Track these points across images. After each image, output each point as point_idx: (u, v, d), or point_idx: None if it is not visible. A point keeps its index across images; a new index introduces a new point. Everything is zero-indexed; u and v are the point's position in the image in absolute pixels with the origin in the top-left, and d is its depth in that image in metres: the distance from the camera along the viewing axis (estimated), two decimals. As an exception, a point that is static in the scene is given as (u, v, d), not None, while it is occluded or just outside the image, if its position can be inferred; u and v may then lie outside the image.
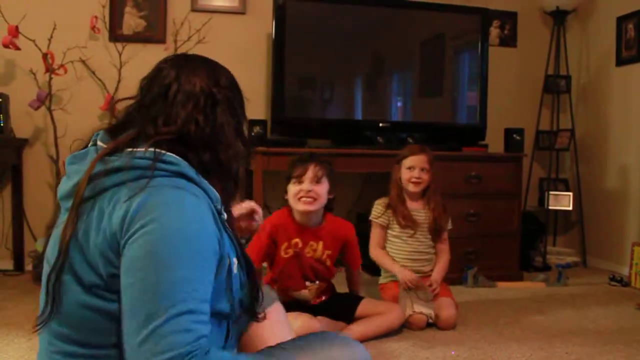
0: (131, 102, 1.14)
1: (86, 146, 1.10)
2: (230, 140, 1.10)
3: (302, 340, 1.23)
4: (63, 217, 1.03)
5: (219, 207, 1.08)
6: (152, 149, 1.01)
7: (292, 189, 2.22)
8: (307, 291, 2.29)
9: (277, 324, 1.44)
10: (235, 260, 1.10)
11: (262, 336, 1.37)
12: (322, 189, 2.21)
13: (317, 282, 2.31)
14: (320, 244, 2.29)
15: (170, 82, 1.08)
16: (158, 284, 0.90)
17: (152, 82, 1.11)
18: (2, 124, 3.11)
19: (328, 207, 2.31)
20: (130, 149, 1.02)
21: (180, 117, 1.06)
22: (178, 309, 0.90)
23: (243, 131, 1.17)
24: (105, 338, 0.98)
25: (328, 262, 2.31)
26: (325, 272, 2.33)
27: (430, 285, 2.50)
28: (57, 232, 1.02)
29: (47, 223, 1.00)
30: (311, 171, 2.19)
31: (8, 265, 3.32)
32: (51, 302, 1.00)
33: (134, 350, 0.89)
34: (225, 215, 1.11)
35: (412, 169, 2.60)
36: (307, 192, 2.18)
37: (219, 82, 1.11)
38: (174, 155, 1.03)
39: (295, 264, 2.26)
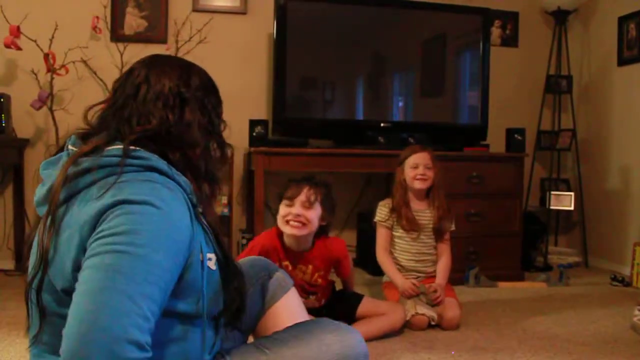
0: (103, 106, 1.15)
1: (60, 151, 1.10)
2: (197, 140, 1.10)
3: (297, 328, 1.23)
4: (40, 224, 1.01)
5: (193, 199, 1.06)
6: (120, 146, 1.01)
7: (282, 210, 2.11)
8: (305, 299, 2.26)
9: (292, 314, 1.44)
10: (211, 256, 1.08)
11: (277, 324, 1.38)
12: (313, 215, 2.09)
13: (312, 296, 2.28)
14: (310, 267, 2.22)
15: (140, 83, 1.09)
16: (131, 261, 0.87)
17: (124, 83, 1.12)
18: (3, 124, 3.11)
19: (321, 232, 2.22)
20: (89, 147, 1.02)
21: (154, 116, 1.06)
22: (144, 291, 0.87)
23: (216, 132, 1.16)
24: None
25: (319, 281, 2.26)
26: (317, 289, 2.29)
27: (435, 291, 2.49)
28: (36, 240, 1.02)
29: (26, 235, 0.99)
30: (304, 194, 2.08)
31: (9, 265, 3.32)
32: (39, 314, 0.99)
33: (95, 318, 0.83)
34: (200, 209, 1.09)
35: (417, 166, 2.60)
36: (295, 216, 2.07)
37: (189, 82, 1.12)
38: (144, 150, 1.03)
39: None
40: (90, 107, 1.13)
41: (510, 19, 4.10)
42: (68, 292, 0.92)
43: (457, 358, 2.06)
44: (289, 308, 1.45)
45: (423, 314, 2.38)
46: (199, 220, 1.07)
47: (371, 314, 2.30)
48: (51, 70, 3.23)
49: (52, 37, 3.23)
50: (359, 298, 2.38)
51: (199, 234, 1.05)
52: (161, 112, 1.07)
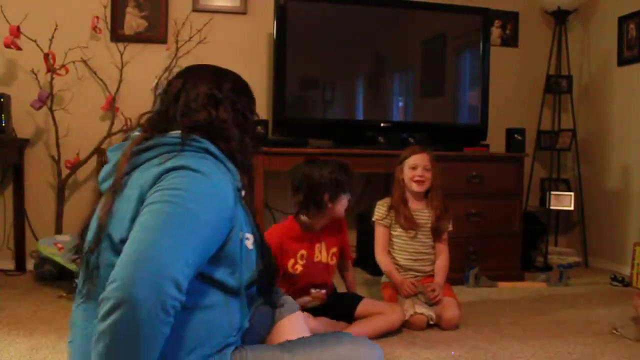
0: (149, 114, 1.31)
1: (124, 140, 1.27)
2: (233, 134, 1.25)
3: (320, 338, 1.26)
4: (102, 201, 1.16)
5: (238, 184, 1.21)
6: (179, 131, 1.19)
7: (344, 200, 2.28)
8: (311, 298, 2.28)
9: (297, 328, 1.50)
10: (249, 236, 1.22)
11: (283, 338, 1.42)
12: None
13: (324, 290, 2.30)
14: (324, 244, 2.30)
15: (179, 90, 1.26)
16: (186, 214, 1.02)
17: (165, 93, 1.30)
18: (3, 124, 3.11)
19: None
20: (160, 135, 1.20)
21: (198, 112, 1.23)
22: (194, 244, 1.01)
23: (249, 127, 1.33)
24: None
25: (331, 262, 2.33)
26: (329, 275, 2.34)
27: (434, 291, 2.49)
28: (95, 216, 1.16)
29: (85, 215, 1.14)
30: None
31: (9, 265, 3.32)
32: (90, 272, 1.12)
33: (149, 255, 0.95)
34: (243, 193, 1.25)
35: (415, 168, 2.60)
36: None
37: (221, 86, 1.29)
38: (200, 137, 1.19)
39: (305, 277, 2.25)
40: (144, 114, 1.29)
41: (510, 19, 4.10)
42: (125, 241, 1.02)
43: (457, 358, 2.07)
44: (293, 325, 1.49)
45: (422, 314, 2.38)
46: (241, 202, 1.22)
47: (370, 314, 2.30)
48: (51, 70, 3.23)
49: (52, 37, 3.23)
50: (358, 299, 2.39)
51: (241, 214, 1.20)
52: (203, 109, 1.24)
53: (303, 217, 2.27)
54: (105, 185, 1.18)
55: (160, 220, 1.00)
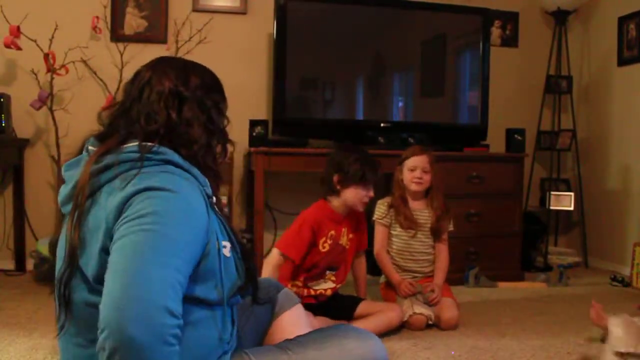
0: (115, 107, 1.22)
1: (79, 153, 1.17)
2: (198, 136, 1.16)
3: (318, 333, 1.25)
4: (66, 222, 1.08)
5: (208, 190, 1.14)
6: (135, 143, 1.10)
7: (360, 192, 2.31)
8: (324, 281, 2.36)
9: (297, 323, 1.48)
10: (226, 244, 1.14)
11: (283, 334, 1.41)
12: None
13: (334, 273, 2.38)
14: (345, 229, 2.38)
15: (144, 85, 1.17)
16: (163, 237, 0.95)
17: (131, 85, 1.19)
18: (3, 124, 3.11)
19: None
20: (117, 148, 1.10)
21: (159, 115, 1.13)
22: (176, 264, 0.95)
23: (217, 128, 1.21)
24: None
25: (348, 246, 2.40)
26: (345, 258, 2.41)
27: (432, 291, 2.50)
28: (63, 237, 1.08)
29: (52, 234, 1.06)
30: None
31: (9, 265, 3.32)
32: (64, 306, 1.05)
33: (138, 291, 0.89)
34: (214, 199, 1.17)
35: (414, 169, 2.61)
36: (370, 199, 2.35)
37: (188, 82, 1.18)
38: (160, 146, 1.10)
39: (328, 257, 2.33)
40: (104, 109, 1.21)
41: (510, 19, 4.10)
42: (99, 279, 0.98)
43: (457, 358, 2.06)
44: (293, 318, 1.48)
45: (421, 314, 2.38)
46: (213, 210, 1.14)
47: (369, 314, 2.32)
48: (51, 70, 3.23)
49: (52, 37, 3.23)
50: (358, 300, 2.41)
51: (214, 223, 1.12)
52: (164, 112, 1.14)
53: (331, 198, 2.37)
54: (67, 209, 1.10)
55: (134, 253, 0.93)
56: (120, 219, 0.98)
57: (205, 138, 1.17)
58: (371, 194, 2.33)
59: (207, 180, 1.15)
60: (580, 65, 4.13)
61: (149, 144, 1.10)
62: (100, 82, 3.44)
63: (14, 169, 3.32)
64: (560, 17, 3.94)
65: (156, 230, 0.95)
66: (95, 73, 3.43)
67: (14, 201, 3.34)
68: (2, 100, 3.10)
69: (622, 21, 3.74)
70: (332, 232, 2.34)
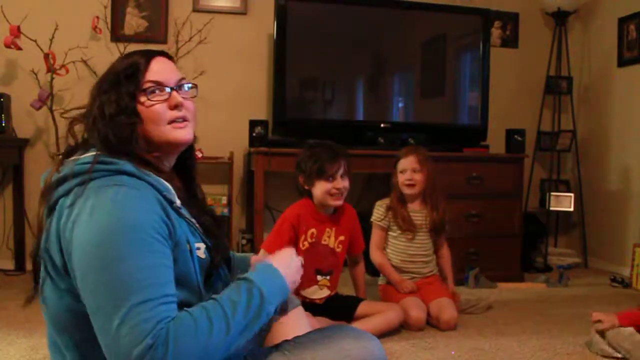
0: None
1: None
2: (102, 130, 1.12)
3: (316, 333, 1.25)
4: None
5: (169, 196, 1.10)
6: (91, 154, 1.08)
7: (323, 186, 2.25)
8: (319, 288, 2.32)
9: (298, 324, 1.46)
10: (199, 245, 1.13)
11: (284, 335, 1.40)
12: (348, 182, 2.30)
13: (329, 277, 2.34)
14: (334, 230, 2.34)
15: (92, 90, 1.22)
16: (110, 280, 0.93)
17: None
18: (3, 124, 3.11)
19: None
20: (75, 157, 1.10)
21: (92, 119, 1.15)
22: (133, 301, 0.92)
23: (117, 106, 1.14)
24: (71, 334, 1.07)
25: (339, 249, 2.35)
26: (334, 262, 2.36)
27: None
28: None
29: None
30: (342, 168, 2.26)
31: (9, 265, 3.32)
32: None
33: (110, 348, 0.92)
34: (178, 202, 1.12)
35: (404, 171, 2.61)
36: (341, 190, 2.26)
37: (101, 78, 1.21)
38: (110, 156, 1.08)
39: (309, 257, 2.23)
40: (78, 109, 1.25)
41: (510, 19, 4.10)
42: (69, 291, 1.02)
43: (457, 358, 2.06)
44: (294, 321, 1.47)
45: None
46: (179, 214, 1.10)
47: (369, 314, 2.31)
48: (51, 70, 3.23)
49: (52, 37, 3.22)
50: (358, 300, 2.40)
51: (182, 227, 1.09)
52: (94, 116, 1.15)
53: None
54: None
55: (99, 310, 0.93)
56: (68, 243, 0.99)
57: (112, 129, 1.11)
58: (338, 185, 2.25)
59: (167, 185, 1.11)
60: (580, 66, 4.14)
61: (100, 153, 1.08)
62: (101, 82, 3.43)
63: (14, 169, 3.32)
64: (560, 18, 3.94)
65: (112, 269, 0.94)
66: (95, 73, 3.42)
67: (14, 201, 3.34)
68: (2, 100, 3.10)
69: (622, 22, 3.74)
70: (313, 230, 2.30)
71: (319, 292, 2.33)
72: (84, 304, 0.98)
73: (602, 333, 2.10)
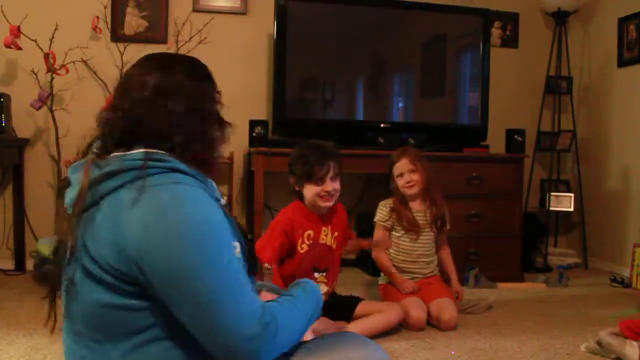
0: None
1: (85, 155, 1.13)
2: (189, 129, 1.11)
3: (322, 339, 1.24)
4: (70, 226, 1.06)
5: (216, 194, 1.11)
6: (141, 150, 1.05)
7: (313, 189, 2.22)
8: (318, 284, 2.30)
9: None
10: (236, 244, 1.13)
11: None
12: (338, 183, 2.26)
13: (325, 274, 2.34)
14: (329, 227, 2.33)
15: (129, 83, 1.12)
16: (219, 273, 0.97)
17: (119, 85, 1.16)
18: (3, 124, 3.11)
19: None
20: (121, 153, 1.06)
21: (147, 116, 1.09)
22: (242, 287, 1.00)
23: (210, 118, 1.17)
24: (120, 329, 1.01)
25: (334, 246, 2.34)
26: (331, 259, 2.35)
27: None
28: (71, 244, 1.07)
29: (52, 234, 1.07)
30: (332, 171, 2.21)
31: (9, 265, 3.32)
32: (69, 305, 1.06)
33: (231, 328, 0.96)
34: (223, 201, 1.15)
35: (402, 175, 2.62)
36: (330, 192, 2.22)
37: (173, 74, 1.13)
38: (163, 152, 1.07)
39: (309, 257, 2.28)
40: (102, 110, 1.16)
41: (510, 19, 4.10)
42: (112, 286, 0.99)
43: (457, 358, 2.06)
44: None
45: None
46: (224, 211, 1.11)
47: (368, 314, 2.31)
48: (51, 70, 3.23)
49: (53, 36, 3.23)
50: (357, 300, 2.40)
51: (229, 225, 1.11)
52: (144, 110, 1.09)
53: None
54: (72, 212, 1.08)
55: (219, 288, 0.97)
56: (149, 247, 0.96)
57: (196, 127, 1.12)
58: (327, 188, 2.20)
59: (213, 184, 1.13)
60: (580, 66, 4.14)
61: (153, 150, 1.06)
62: (100, 82, 3.44)
63: (14, 169, 3.32)
64: (560, 18, 3.94)
65: (215, 272, 0.98)
66: (95, 73, 3.43)
67: (14, 201, 3.34)
68: (2, 100, 3.10)
69: (622, 22, 3.74)
70: (310, 232, 2.28)
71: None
72: (124, 298, 0.99)
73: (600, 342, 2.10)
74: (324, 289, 2.35)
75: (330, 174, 2.20)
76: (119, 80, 1.18)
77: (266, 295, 1.36)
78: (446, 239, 2.76)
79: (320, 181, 2.19)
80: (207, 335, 0.97)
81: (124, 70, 3.40)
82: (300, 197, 2.31)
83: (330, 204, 2.26)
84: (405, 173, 2.61)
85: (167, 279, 0.96)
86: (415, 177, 2.61)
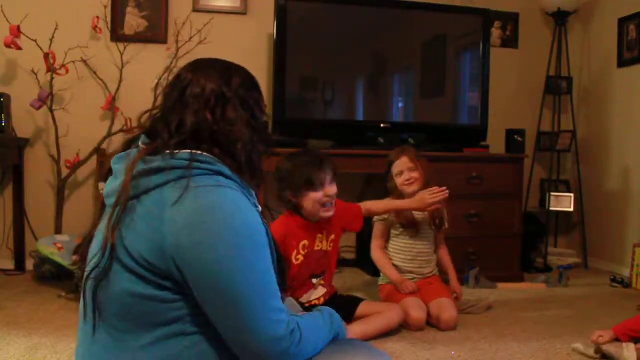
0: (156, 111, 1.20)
1: (129, 147, 1.16)
2: (240, 135, 1.14)
3: (329, 346, 1.24)
4: (106, 214, 1.08)
5: (253, 200, 1.15)
6: (188, 150, 1.08)
7: (314, 196, 2.17)
8: (314, 289, 2.30)
9: None
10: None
11: None
12: (336, 187, 2.22)
13: (322, 277, 2.32)
14: (325, 233, 2.31)
15: (185, 86, 1.14)
16: (253, 277, 1.00)
17: (172, 88, 1.17)
18: (3, 124, 3.11)
19: None
20: (168, 151, 1.08)
21: (190, 118, 1.11)
22: (273, 295, 1.03)
23: (259, 127, 1.21)
24: (147, 320, 1.02)
25: (330, 248, 2.33)
26: (327, 262, 2.34)
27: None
28: (102, 228, 1.08)
29: (92, 222, 1.06)
30: (329, 176, 2.17)
31: (9, 265, 3.32)
32: (94, 299, 1.05)
33: (256, 331, 1.00)
34: (260, 208, 1.17)
35: (401, 173, 2.63)
36: (333, 199, 2.19)
37: (230, 82, 1.17)
38: (209, 155, 1.09)
39: (305, 267, 2.25)
40: (145, 112, 1.18)
41: (510, 20, 4.11)
42: (146, 279, 1.01)
43: (457, 358, 2.06)
44: None
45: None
46: (261, 218, 1.14)
47: (369, 314, 2.31)
48: (51, 70, 3.23)
49: (53, 36, 3.23)
50: (358, 301, 2.40)
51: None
52: (198, 113, 1.11)
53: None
54: (111, 201, 1.09)
55: (252, 292, 1.00)
56: (189, 244, 0.98)
57: (249, 136, 1.15)
58: (330, 191, 2.17)
59: (252, 191, 1.17)
60: (580, 67, 4.14)
61: (199, 152, 1.08)
62: (100, 82, 3.44)
63: (14, 169, 3.32)
64: (560, 18, 3.94)
65: (240, 269, 1.00)
66: (95, 73, 3.43)
67: (14, 201, 3.34)
68: (2, 100, 3.10)
69: (622, 22, 3.74)
70: (305, 242, 2.25)
71: (315, 294, 2.32)
72: (156, 289, 1.01)
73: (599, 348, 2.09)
74: (322, 291, 2.34)
75: (329, 177, 2.18)
76: (172, 81, 1.19)
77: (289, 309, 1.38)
78: (444, 238, 2.76)
79: (321, 185, 2.16)
80: (236, 332, 1.00)
81: (124, 70, 3.41)
82: (295, 209, 2.26)
83: (331, 213, 2.22)
84: (405, 171, 2.62)
85: (203, 278, 0.98)
86: (415, 175, 2.61)
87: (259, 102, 1.23)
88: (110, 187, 1.11)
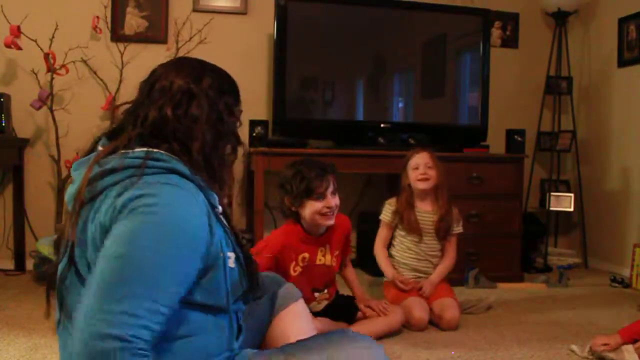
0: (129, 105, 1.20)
1: (90, 152, 1.15)
2: (199, 134, 1.12)
3: (322, 338, 1.24)
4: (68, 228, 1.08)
5: (213, 200, 1.11)
6: (143, 149, 1.06)
7: (314, 206, 2.10)
8: (317, 303, 2.27)
9: (298, 319, 1.48)
10: (230, 255, 1.13)
11: (284, 331, 1.42)
12: (338, 198, 2.16)
13: (326, 290, 2.29)
14: (328, 247, 2.24)
15: (154, 81, 1.15)
16: (140, 264, 0.94)
17: (145, 83, 1.18)
18: (3, 124, 3.11)
19: None
20: (124, 151, 1.08)
21: (152, 113, 1.11)
22: (148, 295, 0.93)
23: (225, 129, 1.17)
24: None
25: (334, 263, 2.28)
26: (330, 277, 2.31)
27: (421, 289, 2.52)
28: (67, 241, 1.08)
29: (52, 233, 1.06)
30: (331, 185, 2.12)
31: (9, 265, 3.32)
32: (61, 301, 1.07)
33: (90, 314, 0.91)
34: (220, 209, 1.14)
35: (417, 167, 2.61)
36: (332, 208, 2.11)
37: (200, 80, 1.15)
38: (165, 152, 1.07)
39: (304, 279, 2.17)
40: (119, 106, 1.20)
41: (510, 20, 4.10)
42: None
43: (456, 358, 2.06)
44: (294, 314, 1.47)
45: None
46: (219, 221, 1.11)
47: (370, 316, 2.31)
48: (51, 70, 3.23)
49: (53, 36, 3.23)
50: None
51: (219, 234, 1.09)
52: (162, 108, 1.11)
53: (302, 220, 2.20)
54: (70, 208, 1.09)
55: (110, 281, 0.92)
56: (115, 218, 0.98)
57: (211, 137, 1.13)
58: (329, 203, 2.09)
59: (214, 194, 1.12)
60: (580, 66, 4.14)
61: (155, 150, 1.07)
62: (100, 82, 3.44)
63: (13, 169, 3.32)
64: (560, 18, 3.94)
65: (139, 257, 0.94)
66: (95, 73, 3.43)
67: (14, 201, 3.34)
68: (2, 100, 3.10)
69: (623, 22, 3.74)
70: (305, 254, 2.17)
71: (317, 307, 2.27)
72: None
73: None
74: (323, 304, 2.29)
75: (331, 188, 2.11)
76: (147, 76, 1.19)
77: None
78: (453, 249, 2.66)
79: (321, 196, 2.09)
80: (80, 310, 0.93)
81: (124, 70, 3.41)
82: (295, 218, 2.20)
83: (331, 221, 2.15)
84: (422, 166, 2.59)
85: (109, 249, 0.96)
86: (432, 172, 2.60)
87: (230, 107, 1.19)
88: (69, 193, 1.11)
